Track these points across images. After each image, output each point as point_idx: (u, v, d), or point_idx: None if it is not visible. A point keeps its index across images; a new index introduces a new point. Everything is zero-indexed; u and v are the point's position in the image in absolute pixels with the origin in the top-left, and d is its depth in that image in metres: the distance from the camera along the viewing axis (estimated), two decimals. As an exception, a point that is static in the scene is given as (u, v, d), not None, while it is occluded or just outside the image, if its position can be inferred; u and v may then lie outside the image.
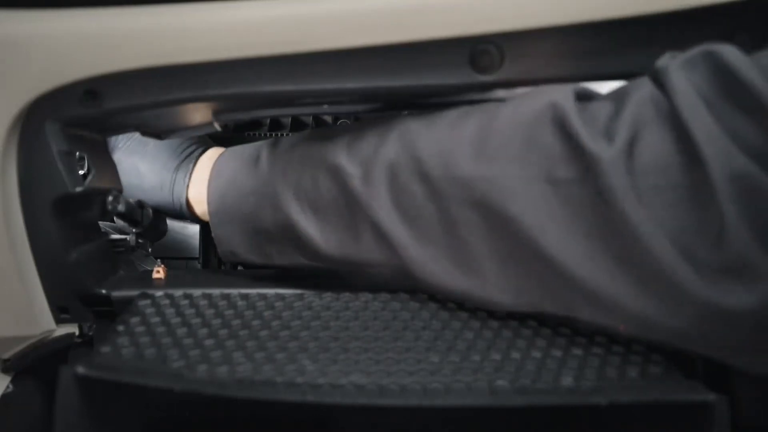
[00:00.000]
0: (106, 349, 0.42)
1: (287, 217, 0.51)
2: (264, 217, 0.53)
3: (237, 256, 0.57)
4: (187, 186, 0.64)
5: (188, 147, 0.66)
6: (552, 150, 0.40)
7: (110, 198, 0.55)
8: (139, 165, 0.65)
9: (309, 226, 0.50)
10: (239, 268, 0.90)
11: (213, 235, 0.58)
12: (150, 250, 0.71)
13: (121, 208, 0.55)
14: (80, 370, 0.38)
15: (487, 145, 0.42)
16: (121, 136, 0.68)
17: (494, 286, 0.44)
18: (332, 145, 0.50)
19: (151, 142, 0.66)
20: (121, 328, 0.46)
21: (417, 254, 0.45)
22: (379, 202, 0.46)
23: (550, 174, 0.40)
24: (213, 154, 0.66)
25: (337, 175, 0.48)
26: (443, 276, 0.45)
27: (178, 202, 0.65)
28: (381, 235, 0.46)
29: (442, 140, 0.45)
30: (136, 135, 0.66)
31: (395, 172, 0.46)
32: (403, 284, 0.50)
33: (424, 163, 0.44)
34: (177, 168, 0.65)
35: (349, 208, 0.48)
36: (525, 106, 0.43)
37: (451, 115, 0.47)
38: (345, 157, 0.48)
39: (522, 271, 0.42)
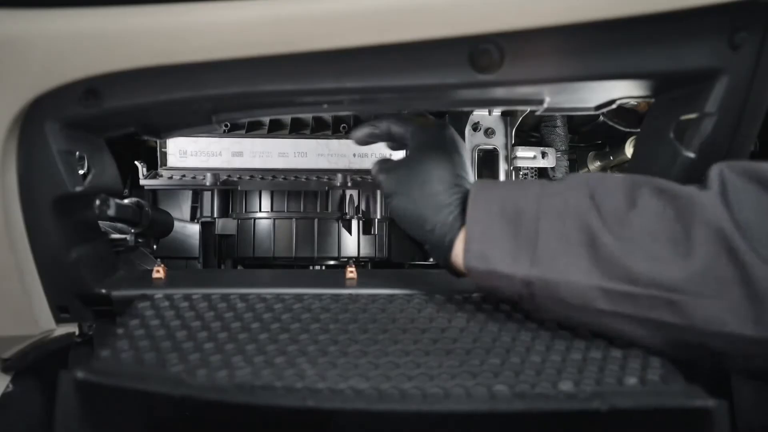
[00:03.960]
0: (105, 353, 0.42)
1: (586, 224, 0.44)
2: (548, 218, 0.46)
3: (488, 260, 0.47)
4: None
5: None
6: None
7: (98, 202, 0.53)
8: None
9: (615, 239, 0.43)
10: (239, 267, 0.91)
11: (466, 233, 0.49)
12: (155, 247, 0.71)
13: (110, 212, 0.54)
14: (80, 374, 0.38)
15: None
16: None
17: None
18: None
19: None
20: (120, 331, 0.46)
21: None
22: (725, 212, 0.41)
23: None
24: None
25: (666, 191, 0.44)
26: None
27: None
28: (727, 247, 0.40)
29: None
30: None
31: (736, 190, 0.42)
32: (728, 327, 0.40)
33: None
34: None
35: (681, 220, 0.42)
36: None
37: None
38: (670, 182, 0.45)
39: None
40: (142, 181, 0.84)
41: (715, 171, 0.43)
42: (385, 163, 0.61)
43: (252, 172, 0.88)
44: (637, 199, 0.44)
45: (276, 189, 0.87)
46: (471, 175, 0.58)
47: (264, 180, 0.85)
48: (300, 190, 0.87)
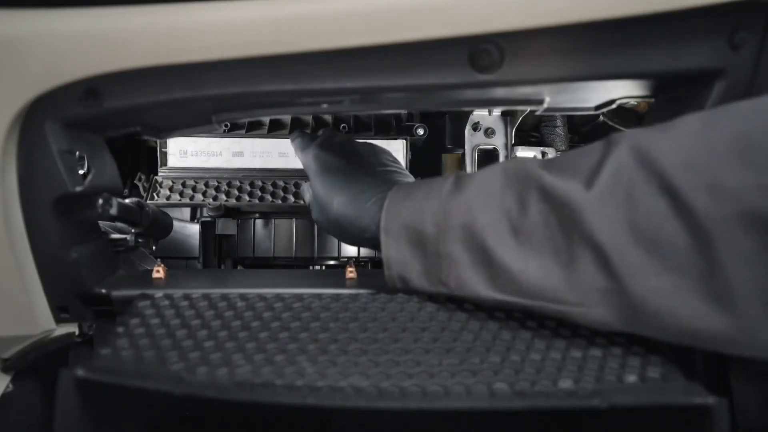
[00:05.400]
0: (105, 351, 0.42)
1: (480, 241, 0.46)
2: (447, 240, 0.47)
3: (407, 281, 0.51)
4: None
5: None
6: None
7: (101, 201, 0.53)
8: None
9: (506, 251, 0.44)
10: (238, 267, 0.91)
11: (383, 256, 0.52)
12: (155, 247, 0.72)
13: (113, 211, 0.54)
14: (80, 372, 0.38)
15: (755, 150, 0.36)
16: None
17: (759, 327, 0.37)
18: (540, 166, 0.45)
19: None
20: (120, 329, 0.46)
21: (651, 283, 0.39)
22: (606, 222, 0.40)
23: None
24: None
25: (551, 194, 0.43)
26: (685, 311, 0.38)
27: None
28: (604, 261, 0.40)
29: (686, 149, 0.38)
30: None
31: (628, 188, 0.40)
32: (612, 327, 0.42)
33: (667, 175, 0.38)
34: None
35: (564, 231, 0.42)
36: None
37: (684, 124, 0.40)
38: (560, 177, 0.43)
39: None
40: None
41: (613, 163, 0.41)
42: (309, 188, 0.66)
43: (252, 173, 0.88)
44: (527, 203, 0.44)
45: (276, 211, 0.87)
46: (395, 163, 0.65)
47: (263, 202, 0.85)
48: (301, 212, 0.87)
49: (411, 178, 0.64)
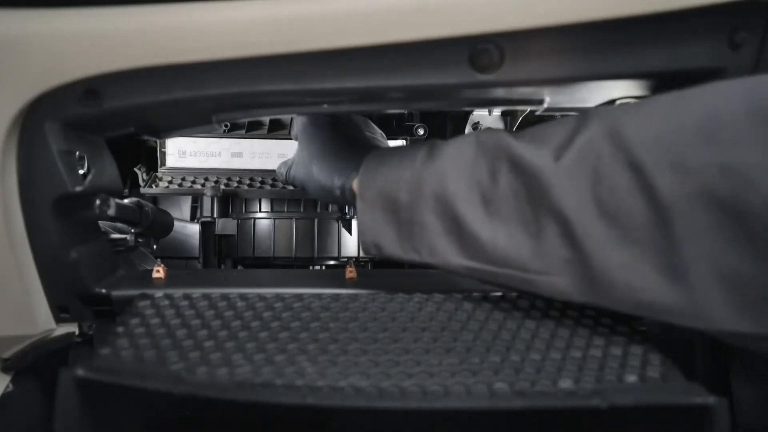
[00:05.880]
0: (105, 351, 0.42)
1: (451, 209, 0.47)
2: (420, 208, 0.49)
3: (381, 248, 0.52)
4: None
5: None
6: None
7: (98, 202, 0.53)
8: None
9: (476, 220, 0.46)
10: (239, 267, 0.91)
11: (358, 221, 0.54)
12: (155, 247, 0.72)
13: (111, 212, 0.54)
14: (80, 372, 0.38)
15: (721, 130, 0.37)
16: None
17: (709, 301, 0.37)
18: (512, 137, 0.46)
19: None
20: (120, 329, 0.46)
21: (612, 256, 0.40)
22: (571, 195, 0.41)
23: None
24: None
25: (520, 165, 0.44)
26: (641, 283, 0.39)
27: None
28: (568, 232, 0.41)
29: (656, 127, 0.39)
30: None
31: (596, 162, 0.41)
32: (573, 297, 0.43)
33: (634, 151, 0.39)
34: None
35: (532, 202, 0.44)
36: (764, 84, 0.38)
37: (657, 102, 0.41)
38: (530, 147, 0.44)
39: (757, 285, 0.36)
40: (141, 190, 0.85)
41: (584, 137, 0.42)
42: (285, 164, 0.69)
43: (251, 173, 0.88)
44: (498, 174, 0.46)
45: (276, 197, 0.87)
46: (370, 134, 0.67)
47: (263, 189, 0.85)
48: (300, 198, 0.88)
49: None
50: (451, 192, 0.47)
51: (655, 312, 0.40)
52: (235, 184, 0.86)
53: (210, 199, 0.86)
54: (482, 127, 0.89)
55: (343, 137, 0.63)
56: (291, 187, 0.85)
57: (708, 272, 0.37)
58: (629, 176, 0.39)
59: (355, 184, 0.55)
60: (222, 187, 0.85)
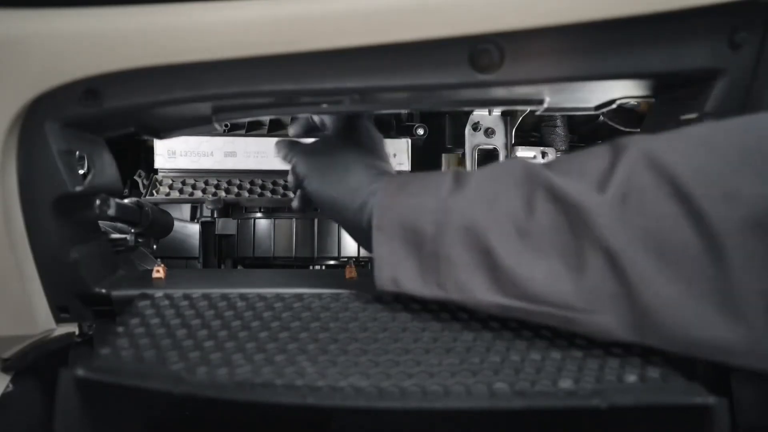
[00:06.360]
0: (105, 351, 0.42)
1: (483, 242, 0.44)
2: (447, 240, 0.45)
3: (399, 283, 0.47)
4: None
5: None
6: None
7: (98, 202, 0.52)
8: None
9: (511, 254, 0.43)
10: (238, 267, 0.91)
11: (374, 253, 0.48)
12: (155, 247, 0.71)
13: (111, 212, 0.53)
14: (80, 372, 0.38)
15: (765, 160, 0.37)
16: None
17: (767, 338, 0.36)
18: (545, 168, 0.44)
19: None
20: (120, 329, 0.46)
21: (662, 290, 0.38)
22: (617, 227, 0.39)
23: None
24: None
25: (560, 196, 0.42)
26: (696, 321, 0.37)
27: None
28: (615, 266, 0.39)
29: (697, 157, 0.38)
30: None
31: (640, 193, 0.39)
32: (618, 336, 0.41)
33: (680, 182, 0.38)
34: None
35: (574, 235, 0.41)
36: None
37: (692, 132, 0.41)
38: (568, 179, 0.42)
39: None
40: (142, 199, 0.85)
41: (625, 167, 0.41)
42: (296, 145, 0.62)
43: (248, 175, 0.88)
44: (534, 204, 0.43)
45: (277, 207, 0.87)
46: (389, 164, 0.61)
47: (264, 196, 0.85)
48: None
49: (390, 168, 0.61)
50: (482, 224, 0.44)
51: (709, 350, 0.38)
52: (236, 189, 0.86)
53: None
54: (482, 127, 0.89)
55: (359, 155, 0.58)
56: (292, 194, 0.85)
57: (766, 307, 0.36)
58: (677, 207, 0.38)
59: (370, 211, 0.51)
60: (223, 194, 0.85)
